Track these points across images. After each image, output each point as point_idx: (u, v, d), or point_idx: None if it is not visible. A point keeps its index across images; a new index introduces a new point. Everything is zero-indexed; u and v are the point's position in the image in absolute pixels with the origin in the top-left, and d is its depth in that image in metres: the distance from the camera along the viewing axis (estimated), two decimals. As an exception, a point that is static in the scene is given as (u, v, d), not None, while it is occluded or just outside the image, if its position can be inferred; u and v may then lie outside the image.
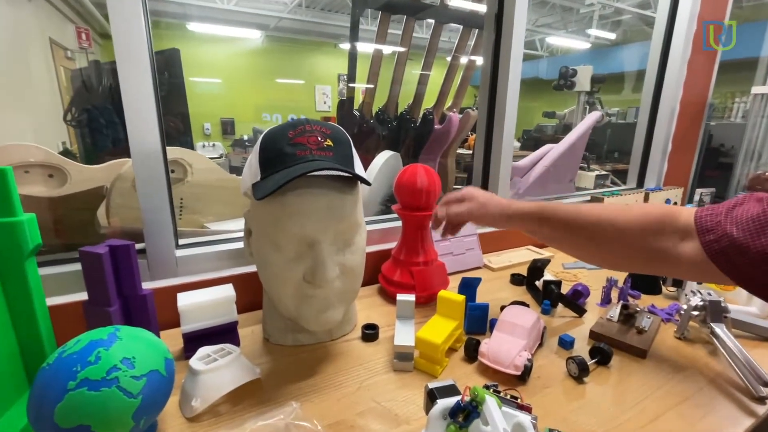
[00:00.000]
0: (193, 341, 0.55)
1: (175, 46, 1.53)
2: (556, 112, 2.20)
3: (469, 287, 0.69)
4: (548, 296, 0.71)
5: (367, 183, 0.50)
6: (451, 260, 0.89)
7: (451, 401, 0.38)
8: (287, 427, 0.41)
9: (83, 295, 0.51)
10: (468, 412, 0.36)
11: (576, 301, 0.73)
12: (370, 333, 0.61)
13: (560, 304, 0.72)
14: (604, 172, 1.60)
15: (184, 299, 0.55)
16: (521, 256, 0.99)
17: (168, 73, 1.53)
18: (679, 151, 1.40)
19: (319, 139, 0.50)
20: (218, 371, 0.46)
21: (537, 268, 0.79)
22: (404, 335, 0.55)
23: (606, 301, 0.75)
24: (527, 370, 0.51)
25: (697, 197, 1.26)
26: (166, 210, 0.65)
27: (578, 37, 6.53)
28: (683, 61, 1.30)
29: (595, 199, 1.17)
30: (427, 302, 0.73)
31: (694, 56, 1.31)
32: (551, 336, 0.63)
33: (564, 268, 0.94)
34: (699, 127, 1.41)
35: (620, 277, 0.86)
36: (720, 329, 0.58)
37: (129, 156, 0.63)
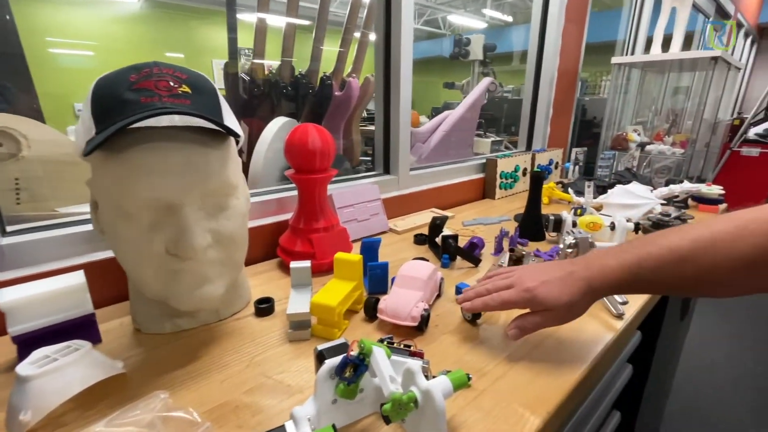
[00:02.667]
0: (32, 345, 0.44)
1: (21, 7, 1.18)
2: (455, 82, 2.30)
3: (370, 249, 0.67)
4: (447, 250, 0.73)
5: (235, 135, 0.44)
6: (356, 226, 0.87)
7: (339, 359, 0.36)
8: (152, 422, 0.35)
9: None
10: (355, 366, 0.34)
11: (472, 252, 0.76)
12: (263, 307, 0.56)
13: (458, 257, 0.75)
14: (498, 139, 1.73)
15: (8, 294, 0.44)
16: (425, 218, 1.01)
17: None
18: (559, 115, 1.56)
19: (172, 84, 0.41)
20: (58, 373, 0.37)
21: (436, 225, 0.80)
22: (299, 303, 0.52)
23: (499, 250, 0.80)
24: (425, 320, 0.51)
25: (573, 156, 1.42)
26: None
27: (475, 17, 6.89)
28: (558, 32, 1.43)
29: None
30: (330, 270, 0.70)
31: (568, 26, 1.44)
32: (450, 286, 0.65)
33: (464, 225, 0.98)
34: (574, 93, 1.58)
35: (511, 227, 0.93)
36: (588, 261, 0.65)
37: None
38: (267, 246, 0.77)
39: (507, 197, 1.28)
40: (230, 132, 0.43)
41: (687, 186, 0.99)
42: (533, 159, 1.36)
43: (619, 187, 1.01)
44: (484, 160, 1.27)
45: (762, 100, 3.95)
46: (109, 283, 0.57)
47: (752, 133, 3.95)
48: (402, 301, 0.52)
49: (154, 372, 0.45)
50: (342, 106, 1.41)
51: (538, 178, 0.86)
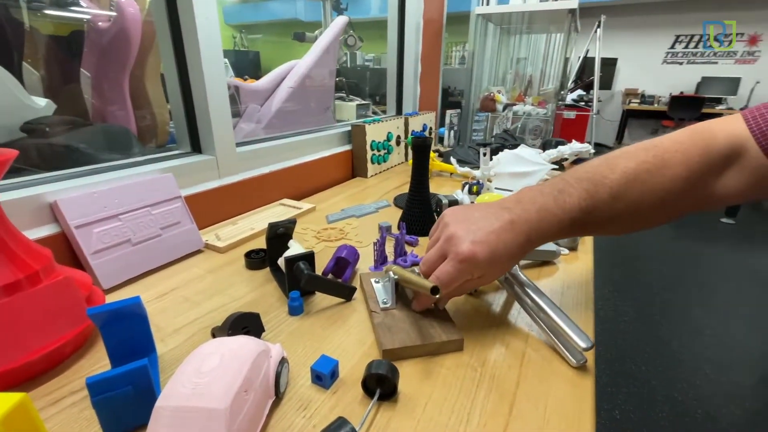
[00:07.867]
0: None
1: None
2: (306, 33, 1.90)
3: (115, 329, 0.31)
4: (295, 284, 0.42)
5: None
6: (132, 256, 0.48)
7: None
8: None
9: None
10: None
11: (340, 275, 0.46)
12: None
13: (318, 291, 0.44)
14: (365, 102, 1.47)
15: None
16: (270, 217, 0.67)
17: None
18: (428, 73, 1.36)
19: None
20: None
21: (277, 237, 0.48)
22: None
23: (381, 260, 0.52)
24: None
25: (447, 119, 1.24)
26: None
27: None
28: (420, -31, 1.19)
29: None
30: (14, 384, 0.31)
31: (429, -36, 1.21)
32: (304, 366, 0.34)
33: (328, 222, 0.67)
34: (440, 45, 1.39)
35: (393, 217, 0.66)
36: (519, 272, 0.42)
37: None
38: None
39: (382, 173, 1.02)
40: None
41: (577, 147, 0.88)
42: (407, 124, 1.12)
43: (507, 152, 0.84)
44: (349, 128, 0.98)
45: (576, 70, 4.67)
46: None
47: (569, 98, 4.70)
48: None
49: None
50: (116, 49, 0.87)
51: (422, 147, 0.60)
